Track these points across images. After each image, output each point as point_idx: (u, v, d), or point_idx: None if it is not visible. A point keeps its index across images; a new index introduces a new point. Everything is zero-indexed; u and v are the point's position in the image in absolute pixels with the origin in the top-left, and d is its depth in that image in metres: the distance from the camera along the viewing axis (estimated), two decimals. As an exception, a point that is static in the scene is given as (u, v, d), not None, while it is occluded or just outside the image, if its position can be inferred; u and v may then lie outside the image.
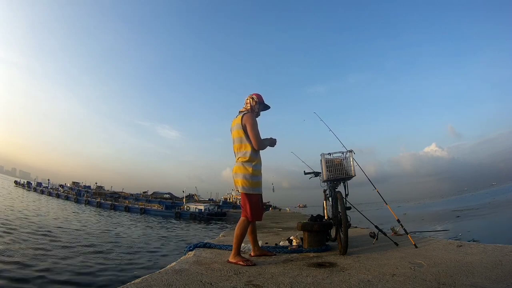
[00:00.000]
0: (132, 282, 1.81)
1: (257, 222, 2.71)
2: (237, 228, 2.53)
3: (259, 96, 2.77)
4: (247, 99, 2.77)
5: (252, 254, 2.79)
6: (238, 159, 2.62)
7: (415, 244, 3.08)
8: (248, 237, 2.70)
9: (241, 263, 2.37)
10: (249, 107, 2.72)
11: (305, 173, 4.00)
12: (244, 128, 2.56)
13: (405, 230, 3.58)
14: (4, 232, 9.39)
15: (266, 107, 2.85)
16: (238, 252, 2.49)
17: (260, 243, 3.24)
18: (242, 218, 2.56)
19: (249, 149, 2.56)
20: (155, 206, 34.01)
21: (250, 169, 2.53)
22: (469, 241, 4.27)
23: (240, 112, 2.73)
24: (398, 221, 3.54)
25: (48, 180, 63.05)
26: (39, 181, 63.28)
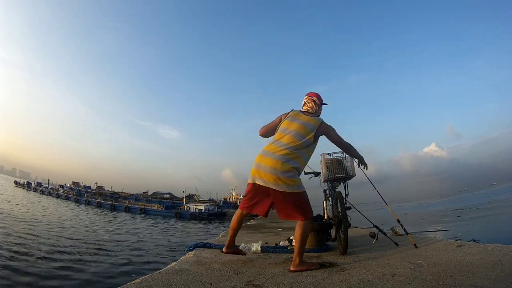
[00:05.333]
0: (132, 282, 1.81)
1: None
2: (303, 232, 2.24)
3: (319, 98, 2.66)
4: (311, 103, 2.61)
5: (224, 250, 2.53)
6: (287, 152, 2.28)
7: (415, 244, 3.07)
8: (231, 230, 2.46)
9: (312, 267, 2.23)
10: (316, 112, 2.61)
11: (305, 173, 3.99)
12: (316, 134, 2.40)
13: (405, 230, 3.58)
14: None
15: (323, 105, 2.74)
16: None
17: (260, 243, 3.24)
18: (304, 222, 2.25)
19: (308, 155, 2.41)
20: (155, 206, 34.05)
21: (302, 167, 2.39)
22: (469, 241, 4.27)
23: (309, 112, 2.57)
24: (398, 221, 3.53)
25: (48, 180, 63.08)
26: (39, 181, 63.29)
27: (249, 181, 2.34)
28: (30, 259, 6.44)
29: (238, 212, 2.45)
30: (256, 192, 2.31)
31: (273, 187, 2.21)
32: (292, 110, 2.58)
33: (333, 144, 2.57)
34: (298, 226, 2.26)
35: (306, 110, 2.61)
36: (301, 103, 2.70)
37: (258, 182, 2.27)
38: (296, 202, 2.26)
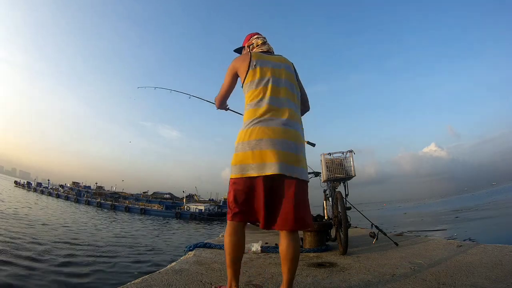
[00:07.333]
0: (132, 282, 1.81)
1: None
2: (299, 247, 1.37)
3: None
4: (267, 42, 1.74)
5: None
6: (294, 116, 1.46)
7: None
8: (233, 262, 1.38)
9: None
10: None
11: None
12: (297, 77, 1.65)
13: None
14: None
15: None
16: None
17: (260, 243, 3.24)
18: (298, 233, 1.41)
19: (300, 107, 1.61)
20: (155, 206, 34.07)
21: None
22: (464, 240, 4.26)
23: (273, 52, 1.71)
24: None
25: (48, 180, 63.07)
26: (39, 181, 63.27)
27: (237, 174, 1.39)
28: (30, 258, 6.44)
29: (233, 228, 1.38)
30: (251, 189, 1.37)
31: (291, 174, 1.34)
32: (249, 52, 1.65)
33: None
34: (294, 239, 1.35)
35: (268, 50, 1.69)
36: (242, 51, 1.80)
37: (255, 172, 1.34)
38: (306, 197, 1.41)
